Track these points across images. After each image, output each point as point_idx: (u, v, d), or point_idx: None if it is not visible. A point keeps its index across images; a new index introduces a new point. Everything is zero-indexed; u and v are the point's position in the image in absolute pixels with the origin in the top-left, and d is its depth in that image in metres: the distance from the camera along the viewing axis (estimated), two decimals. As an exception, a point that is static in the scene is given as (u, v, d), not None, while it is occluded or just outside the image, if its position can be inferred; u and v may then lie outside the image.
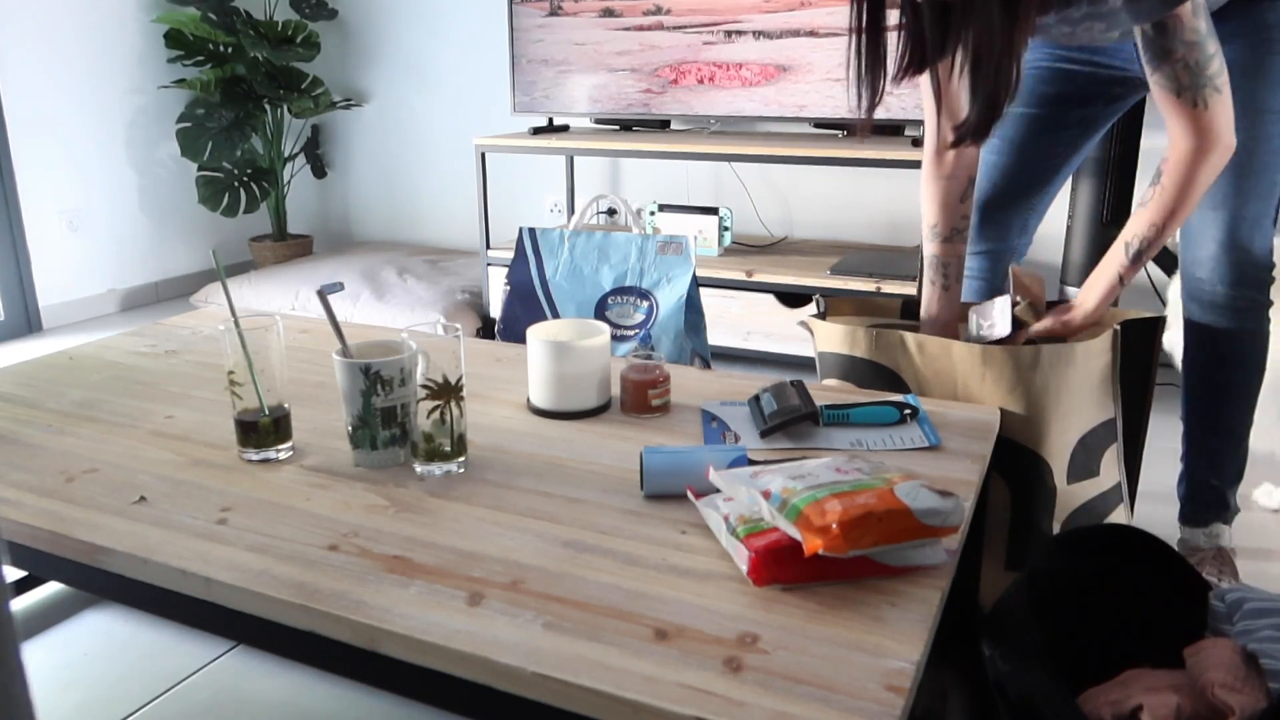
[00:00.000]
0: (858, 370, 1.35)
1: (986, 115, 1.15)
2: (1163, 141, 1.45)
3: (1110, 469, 1.33)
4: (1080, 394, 1.27)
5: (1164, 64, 1.18)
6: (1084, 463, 1.30)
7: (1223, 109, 1.19)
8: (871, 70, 1.16)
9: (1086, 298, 1.33)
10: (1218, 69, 1.18)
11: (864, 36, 1.14)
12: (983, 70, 1.11)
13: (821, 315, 1.48)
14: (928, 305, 1.46)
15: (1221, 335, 1.43)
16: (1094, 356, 1.27)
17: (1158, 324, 1.38)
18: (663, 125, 2.99)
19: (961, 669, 1.05)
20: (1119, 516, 1.37)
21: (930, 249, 1.46)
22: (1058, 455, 1.27)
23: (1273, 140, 1.35)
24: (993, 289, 1.68)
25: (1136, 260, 1.28)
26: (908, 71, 1.15)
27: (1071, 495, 1.30)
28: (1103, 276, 1.31)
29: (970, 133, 1.19)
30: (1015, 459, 1.27)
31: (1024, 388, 1.24)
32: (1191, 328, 1.46)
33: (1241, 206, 1.37)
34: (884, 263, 2.60)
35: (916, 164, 2.30)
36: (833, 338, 1.38)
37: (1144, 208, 1.27)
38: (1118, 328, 1.29)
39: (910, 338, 1.30)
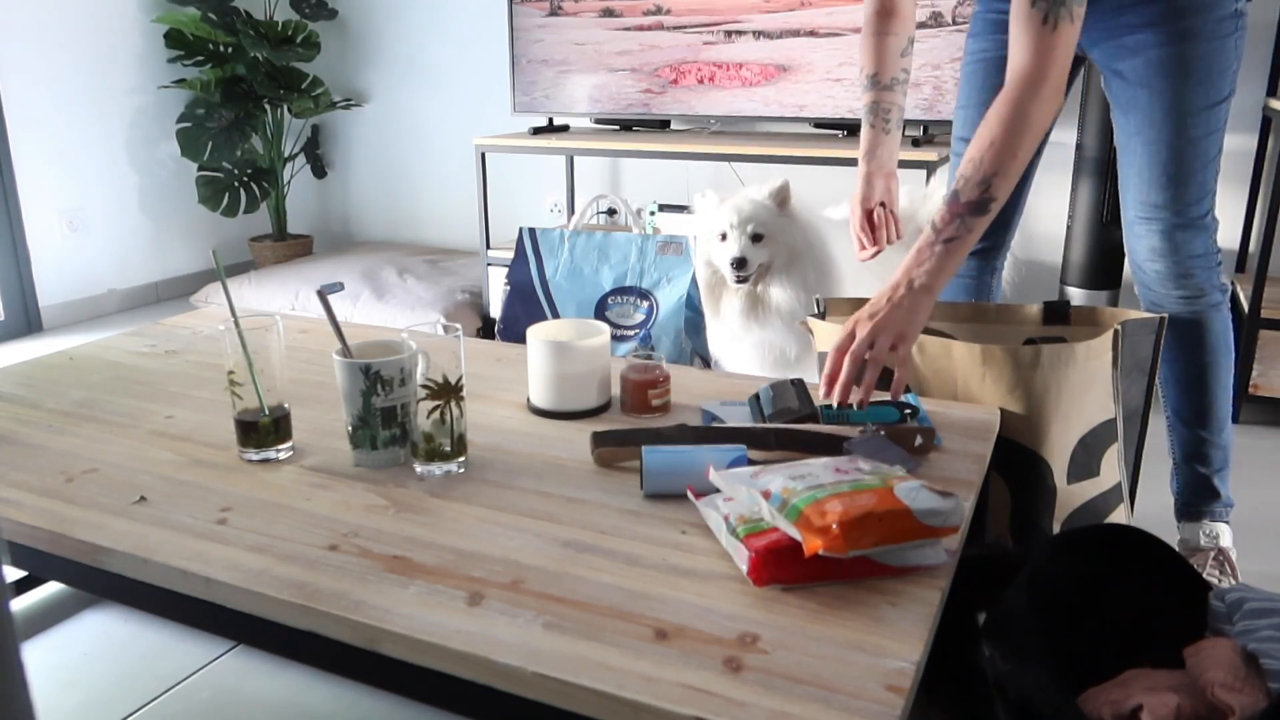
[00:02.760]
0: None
1: None
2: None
3: (1111, 469, 1.33)
4: (1080, 394, 1.27)
5: None
6: (1084, 463, 1.30)
7: (1066, 40, 1.14)
8: None
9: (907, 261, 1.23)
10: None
11: None
12: None
13: (821, 315, 1.48)
14: (868, 146, 1.45)
15: (1181, 325, 1.44)
16: (1094, 356, 1.27)
17: (1158, 324, 1.38)
18: (663, 125, 2.99)
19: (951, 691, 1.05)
20: (1119, 516, 1.37)
21: (869, 96, 1.46)
22: (1058, 455, 1.27)
23: (1198, 143, 1.33)
24: (982, 289, 1.68)
25: (952, 202, 1.18)
26: None
27: (1071, 495, 1.30)
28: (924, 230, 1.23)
29: None
30: (1015, 459, 1.27)
31: (1024, 388, 1.24)
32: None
33: (1176, 215, 1.37)
34: (884, 263, 2.60)
35: (916, 164, 2.30)
36: (833, 338, 1.38)
37: (970, 145, 1.20)
38: (1118, 327, 1.29)
39: None
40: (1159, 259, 1.41)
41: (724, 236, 1.96)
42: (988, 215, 1.17)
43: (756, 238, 1.94)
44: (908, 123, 2.59)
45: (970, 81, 1.56)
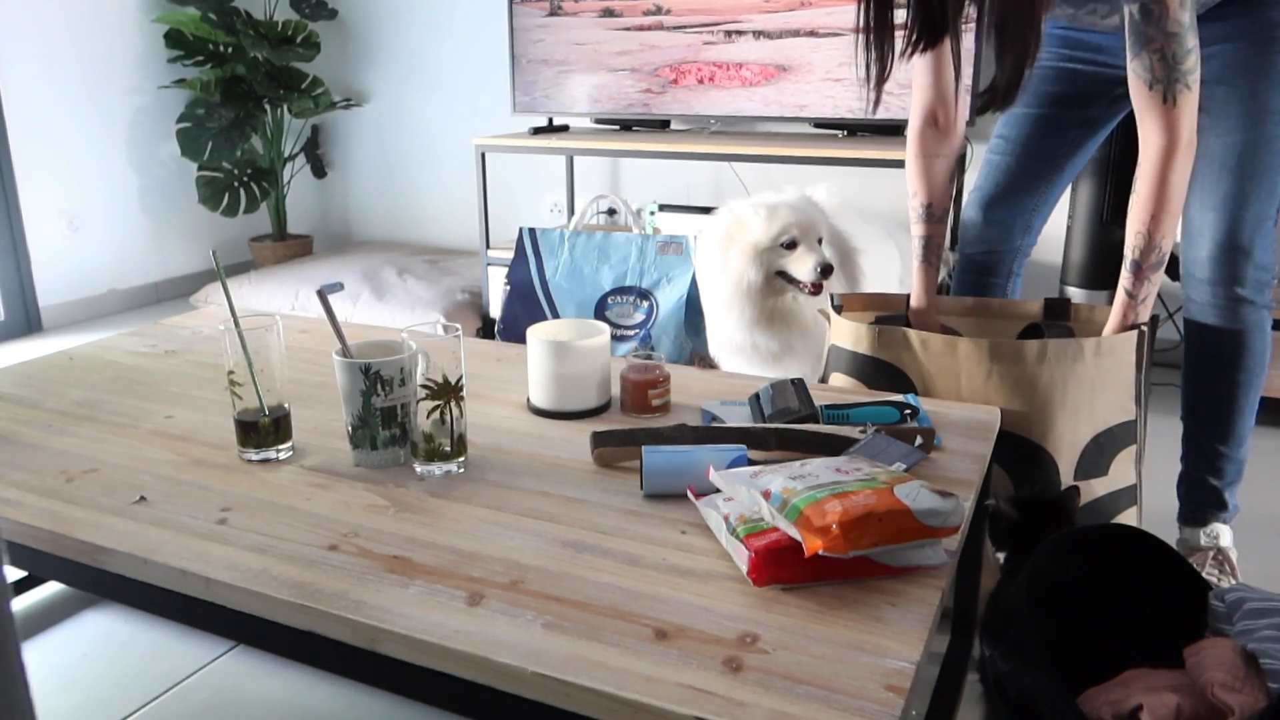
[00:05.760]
0: (864, 367, 1.36)
1: (1014, 79, 1.19)
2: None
3: (1124, 470, 1.32)
4: (1094, 391, 1.26)
5: (1143, 51, 1.19)
6: (1095, 461, 1.29)
7: (1189, 107, 1.20)
8: (879, 45, 1.20)
9: (1109, 321, 1.33)
10: (1192, 66, 1.18)
11: (872, 10, 1.18)
12: (1009, 34, 1.14)
13: (838, 309, 1.48)
14: (926, 284, 1.44)
15: (1221, 336, 1.43)
16: (1108, 354, 1.26)
17: (1150, 323, 1.37)
18: (663, 125, 2.99)
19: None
20: (1129, 518, 1.36)
21: (924, 229, 1.44)
22: (1066, 451, 1.27)
23: (1274, 141, 1.34)
24: (993, 289, 1.68)
25: (1136, 271, 1.28)
26: (917, 47, 1.17)
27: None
28: (1117, 295, 1.32)
29: (999, 98, 1.22)
30: (1019, 453, 1.27)
31: (1030, 383, 1.24)
32: (1191, 328, 1.46)
33: (1242, 208, 1.37)
34: (884, 263, 2.59)
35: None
36: (844, 333, 1.39)
37: (1130, 216, 1.27)
38: (1143, 328, 1.28)
39: (914, 335, 1.30)
40: (1215, 245, 1.39)
41: (790, 245, 1.84)
42: (1163, 266, 1.29)
43: (820, 241, 1.88)
44: (904, 121, 2.60)
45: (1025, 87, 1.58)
